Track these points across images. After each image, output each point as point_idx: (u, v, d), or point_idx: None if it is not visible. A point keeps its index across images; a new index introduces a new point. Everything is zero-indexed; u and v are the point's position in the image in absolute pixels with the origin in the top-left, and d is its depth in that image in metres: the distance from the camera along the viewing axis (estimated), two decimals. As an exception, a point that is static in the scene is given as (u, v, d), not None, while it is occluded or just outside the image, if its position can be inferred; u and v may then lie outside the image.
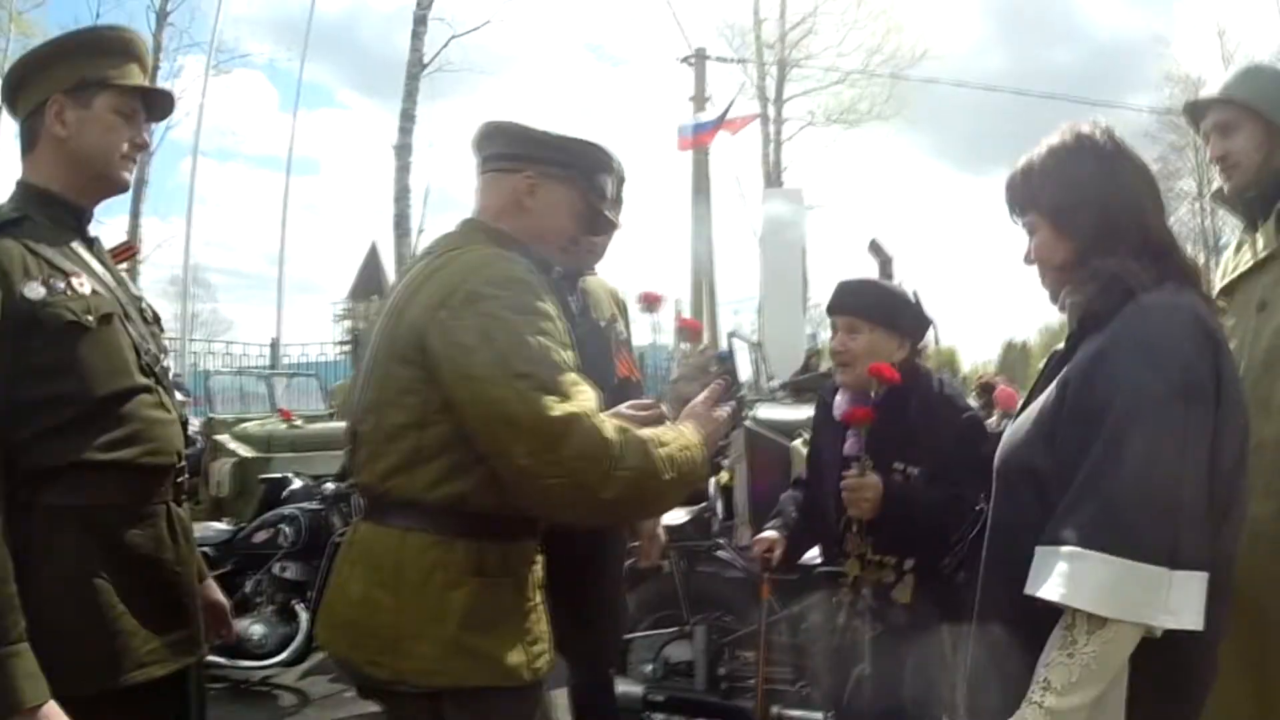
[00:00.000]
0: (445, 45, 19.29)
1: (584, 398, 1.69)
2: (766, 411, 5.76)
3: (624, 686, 3.78)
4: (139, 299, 2.04)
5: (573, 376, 1.72)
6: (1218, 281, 2.57)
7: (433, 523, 1.76)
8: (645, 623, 3.97)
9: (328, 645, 1.97)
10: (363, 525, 1.90)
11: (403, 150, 18.00)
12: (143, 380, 1.88)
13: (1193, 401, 1.42)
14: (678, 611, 3.86)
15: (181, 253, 18.44)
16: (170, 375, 2.05)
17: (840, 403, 2.74)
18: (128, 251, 9.27)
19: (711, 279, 17.03)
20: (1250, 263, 2.43)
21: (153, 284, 26.04)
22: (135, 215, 23.17)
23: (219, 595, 2.26)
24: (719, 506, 4.16)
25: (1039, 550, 1.46)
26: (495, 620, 1.79)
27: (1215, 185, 2.61)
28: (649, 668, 3.90)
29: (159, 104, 2.05)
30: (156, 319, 2.11)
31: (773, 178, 24.50)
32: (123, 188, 2.00)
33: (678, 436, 1.78)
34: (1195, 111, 2.55)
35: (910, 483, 2.56)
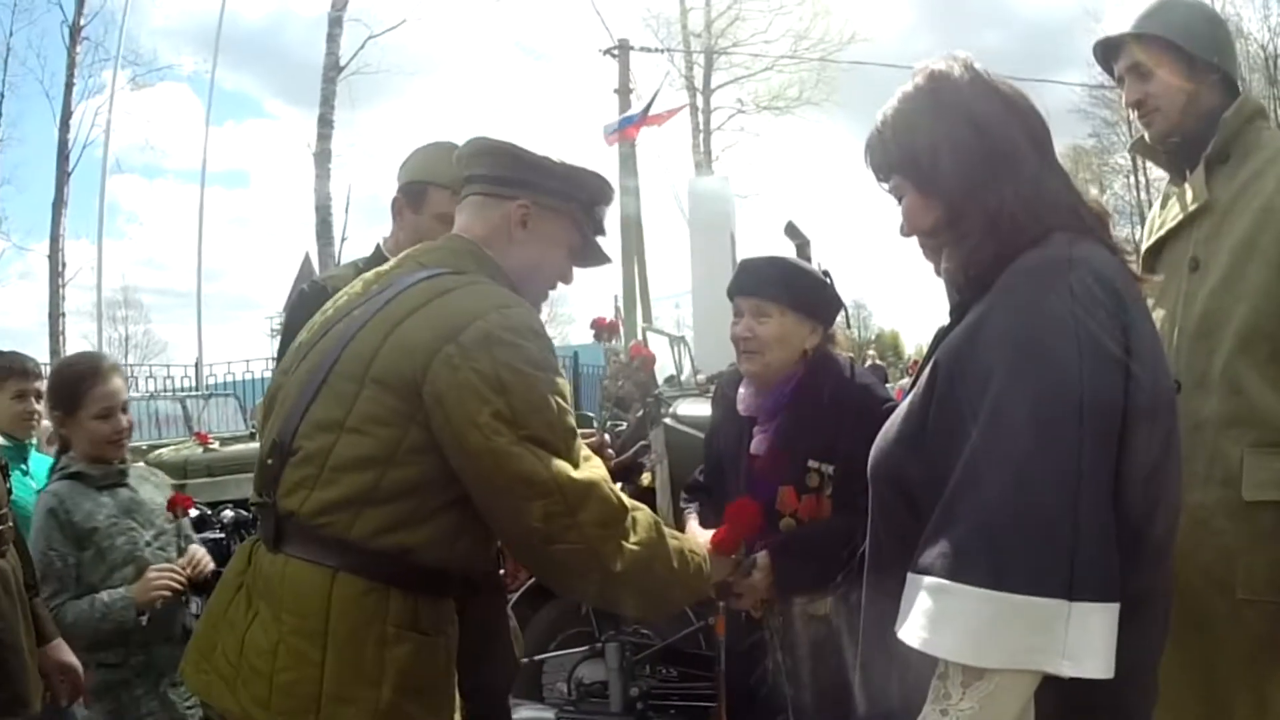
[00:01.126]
0: (362, 46, 18.95)
1: (596, 463, 1.65)
2: (688, 408, 5.52)
3: (534, 712, 3.63)
4: None
5: (581, 443, 1.65)
6: (1145, 240, 2.33)
7: (367, 566, 1.54)
8: (555, 643, 3.84)
9: (201, 691, 1.64)
10: (272, 556, 1.59)
11: (322, 157, 17.58)
12: None
13: (1090, 389, 1.14)
14: (589, 629, 3.70)
15: (103, 274, 17.71)
16: None
17: (745, 395, 2.47)
18: None
19: (644, 273, 16.87)
20: (1179, 218, 2.19)
21: (81, 307, 25.23)
22: (55, 239, 22.41)
23: (69, 656, 2.13)
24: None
25: (909, 578, 1.18)
26: (429, 685, 1.61)
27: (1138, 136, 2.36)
28: (562, 690, 3.73)
29: None
30: None
31: (703, 168, 24.41)
32: None
33: (685, 538, 1.80)
34: (1107, 53, 2.28)
35: (798, 537, 2.28)
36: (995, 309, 1.23)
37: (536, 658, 3.77)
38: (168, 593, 2.49)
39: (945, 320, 1.39)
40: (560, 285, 1.93)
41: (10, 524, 1.94)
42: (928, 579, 1.13)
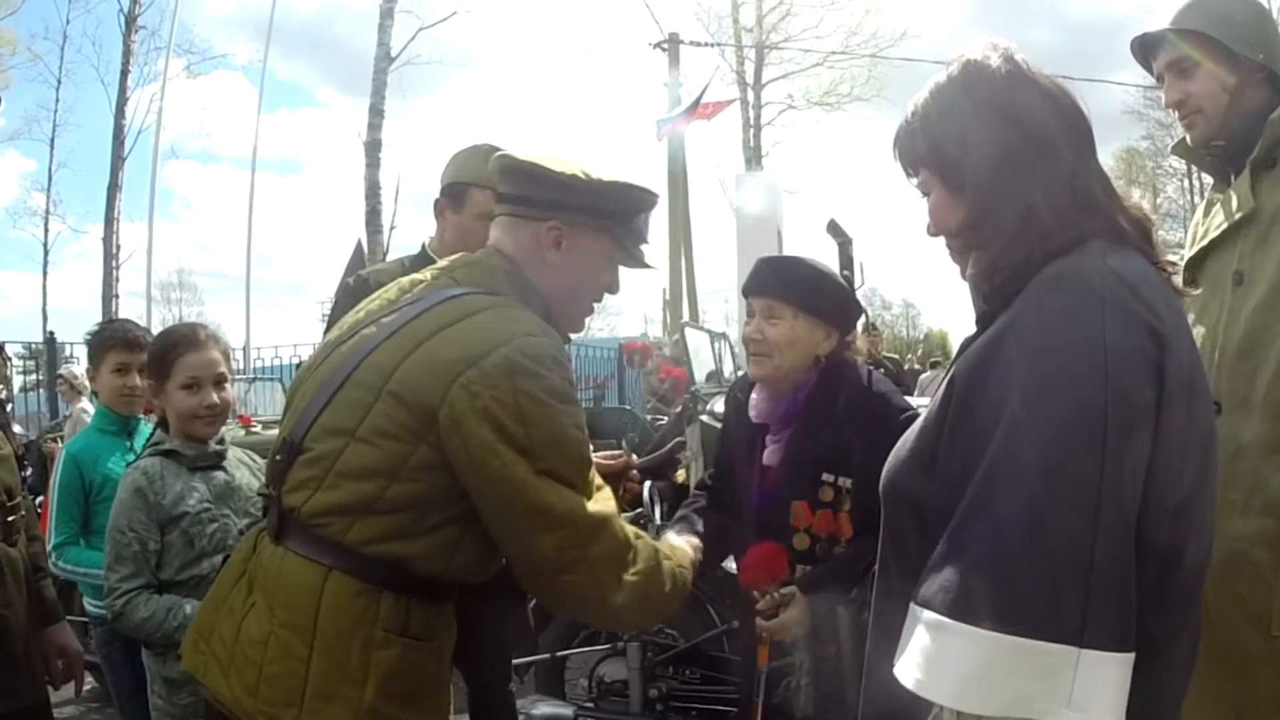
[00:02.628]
0: (413, 38, 19.02)
1: (606, 495, 1.65)
2: (724, 405, 5.48)
3: (554, 708, 3.57)
4: None
5: (595, 474, 1.65)
6: (1186, 250, 2.23)
7: (362, 569, 1.55)
8: (577, 640, 3.77)
9: (197, 671, 1.65)
10: (273, 548, 1.61)
11: (373, 146, 17.74)
12: None
13: (1117, 415, 1.04)
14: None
15: (163, 257, 18.09)
16: (8, 407, 1.84)
17: (756, 401, 2.38)
18: None
19: (692, 268, 16.78)
20: (1223, 227, 2.08)
21: (135, 289, 25.77)
22: (110, 222, 22.87)
23: (71, 641, 2.10)
24: (656, 513, 3.87)
25: (910, 609, 1.11)
26: (414, 690, 1.60)
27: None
28: (583, 687, 3.67)
29: None
30: None
31: (753, 163, 24.24)
32: None
33: (675, 552, 1.81)
34: (1146, 50, 2.16)
35: (829, 567, 2.22)
36: (1018, 323, 1.15)
37: (558, 654, 3.73)
38: None
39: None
40: (625, 311, 1.92)
41: (22, 513, 1.90)
42: (927, 614, 1.07)
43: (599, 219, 1.75)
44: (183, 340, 2.44)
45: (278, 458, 1.65)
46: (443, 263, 1.83)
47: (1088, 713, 0.99)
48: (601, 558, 1.59)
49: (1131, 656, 1.02)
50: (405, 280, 1.80)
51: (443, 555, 1.60)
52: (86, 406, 6.50)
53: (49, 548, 2.77)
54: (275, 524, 1.62)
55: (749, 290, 2.34)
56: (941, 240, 1.35)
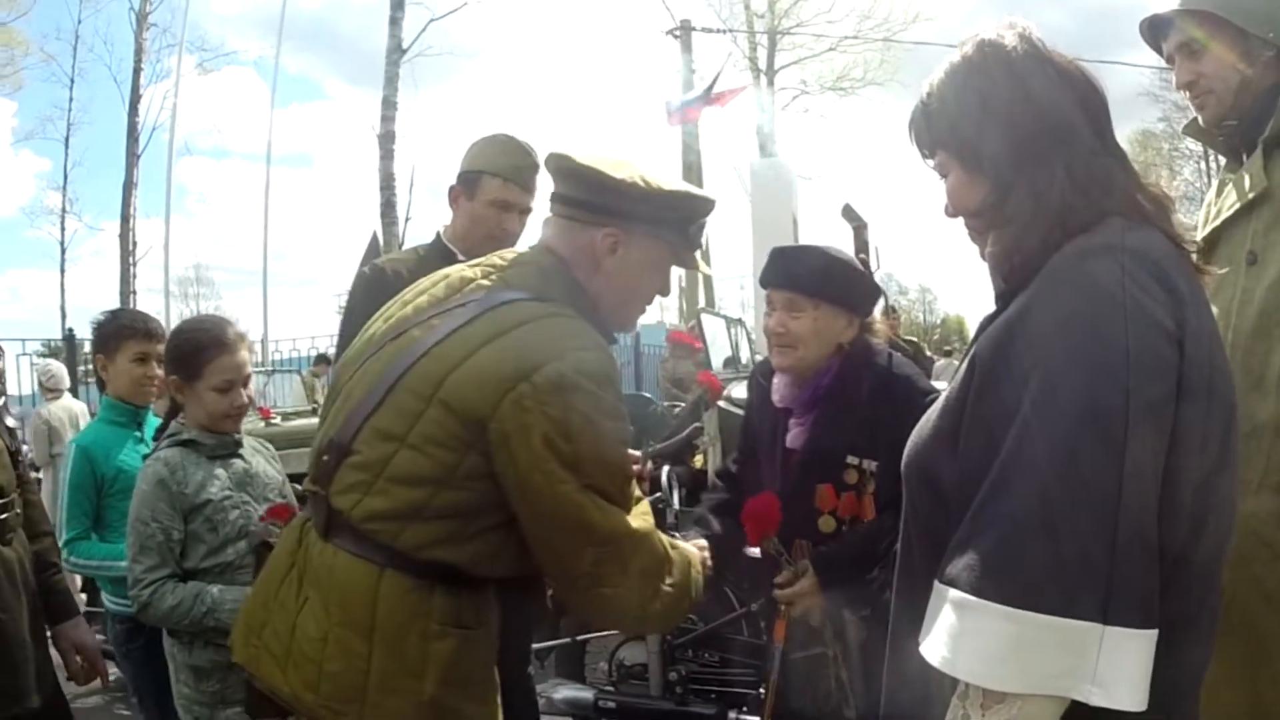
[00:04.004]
0: (424, 29, 18.99)
1: (645, 509, 1.69)
2: (743, 391, 5.49)
3: (574, 691, 3.60)
4: None
5: (635, 488, 1.69)
6: (1199, 230, 2.22)
7: (412, 567, 1.58)
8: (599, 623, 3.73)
9: (248, 664, 1.67)
10: (323, 545, 1.63)
11: (386, 138, 17.74)
12: None
13: (1136, 392, 1.04)
14: None
15: (179, 252, 18.20)
16: (1, 403, 1.82)
17: (779, 386, 2.40)
18: None
19: (707, 254, 16.78)
20: (1236, 206, 2.07)
21: (152, 285, 26.04)
22: (126, 219, 23.04)
23: (86, 636, 2.09)
24: (674, 498, 3.88)
25: (935, 587, 1.12)
26: (471, 676, 1.65)
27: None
28: (603, 670, 3.68)
29: None
30: None
31: (766, 149, 24.17)
32: None
33: (695, 559, 1.83)
34: (1155, 31, 2.14)
35: (845, 541, 2.23)
36: (1039, 300, 1.14)
37: (579, 638, 3.74)
38: None
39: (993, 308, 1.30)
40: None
41: (17, 510, 1.87)
42: (952, 592, 1.07)
43: (656, 226, 1.75)
44: (213, 342, 2.45)
45: (324, 457, 1.65)
46: (493, 258, 1.82)
47: (1112, 688, 1.00)
48: (641, 572, 1.62)
49: (1155, 633, 1.03)
50: (455, 276, 1.77)
51: (490, 558, 1.63)
52: (64, 407, 6.42)
53: (61, 542, 2.74)
54: (323, 522, 1.64)
55: (767, 282, 2.34)
56: (959, 222, 1.35)
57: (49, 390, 6.86)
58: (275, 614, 1.64)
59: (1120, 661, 1.00)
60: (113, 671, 5.09)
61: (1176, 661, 1.11)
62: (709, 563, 1.94)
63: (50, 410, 6.43)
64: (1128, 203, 1.22)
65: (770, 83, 25.41)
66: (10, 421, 2.75)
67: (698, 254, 1.86)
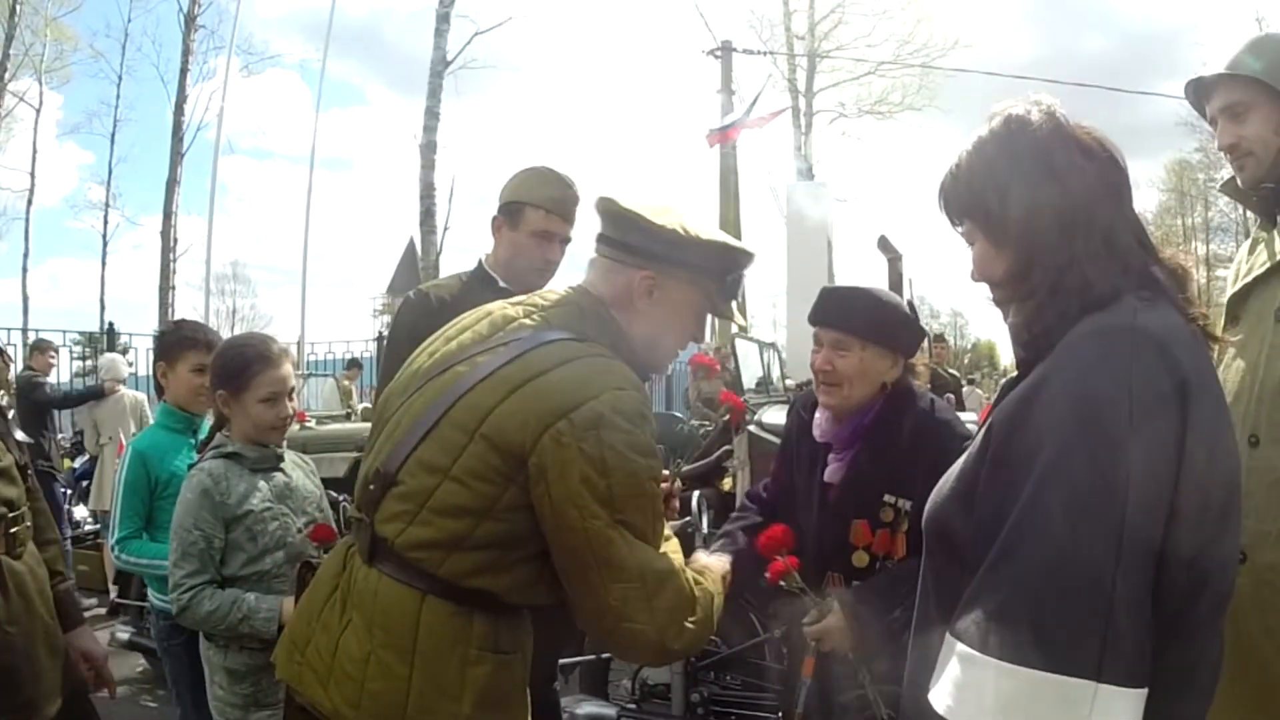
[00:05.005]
0: (469, 43, 19.06)
1: (674, 547, 1.73)
2: (772, 416, 5.53)
3: (597, 708, 3.66)
4: None
5: (664, 525, 1.72)
6: (1230, 286, 2.28)
7: (453, 594, 1.64)
8: None
9: (292, 680, 1.74)
10: (367, 570, 1.69)
11: (428, 149, 17.86)
12: None
13: (1140, 466, 1.11)
14: None
15: (218, 250, 18.46)
16: (10, 414, 1.85)
17: (820, 421, 2.43)
18: None
19: (743, 303, 16.81)
20: (1267, 265, 2.12)
21: (190, 280, 26.49)
22: (168, 215, 23.42)
23: (93, 644, 2.12)
24: (703, 521, 3.93)
25: (946, 638, 1.19)
26: (505, 699, 1.71)
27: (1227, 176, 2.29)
28: (626, 688, 3.74)
29: None
30: None
31: (804, 172, 24.19)
32: None
33: (706, 574, 1.82)
34: (1200, 92, 2.19)
35: (877, 580, 2.26)
36: (1052, 377, 1.21)
37: (603, 655, 3.76)
38: None
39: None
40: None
41: (27, 524, 1.89)
42: (960, 645, 1.15)
43: (693, 273, 1.80)
44: (258, 357, 2.56)
45: (370, 486, 1.72)
46: (535, 297, 1.88)
47: None
48: (666, 609, 1.63)
49: (1144, 692, 1.10)
50: (498, 314, 1.83)
51: (528, 587, 1.69)
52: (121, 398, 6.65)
53: (113, 540, 2.89)
54: (367, 548, 1.70)
55: (816, 321, 2.38)
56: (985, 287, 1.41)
57: (113, 381, 7.13)
58: (319, 634, 1.70)
59: (1113, 717, 1.07)
60: (140, 664, 5.27)
61: (1175, 713, 1.17)
62: (728, 578, 1.97)
63: (131, 397, 6.70)
64: (1143, 279, 1.28)
65: (808, 104, 25.46)
66: (19, 435, 2.75)
67: (734, 304, 1.90)
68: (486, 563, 1.63)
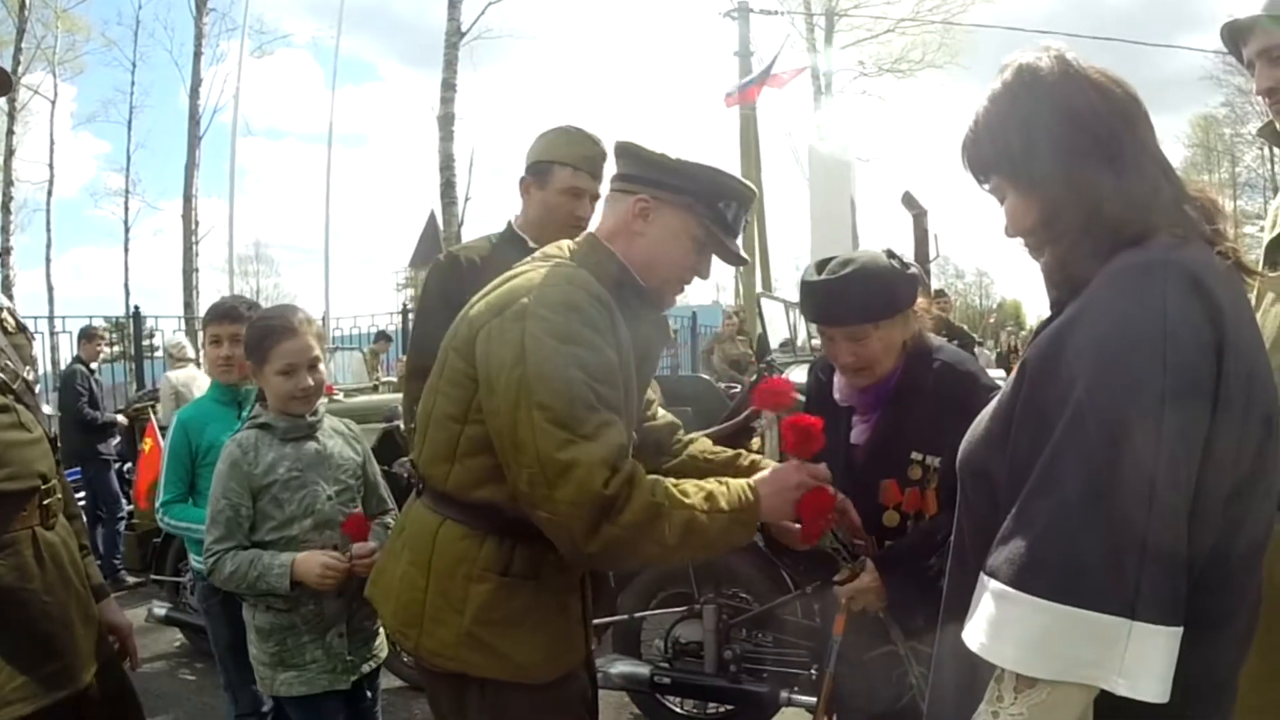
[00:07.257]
0: (483, 13, 18.87)
1: (603, 441, 1.63)
2: (799, 375, 5.51)
3: (630, 667, 3.69)
4: None
5: (601, 417, 1.65)
6: (1268, 232, 2.23)
7: (468, 517, 1.81)
8: (655, 601, 3.85)
9: (374, 600, 2.02)
10: (415, 504, 1.95)
11: (445, 120, 17.78)
12: None
13: (1175, 400, 1.09)
14: (688, 589, 3.72)
15: (239, 231, 18.54)
16: (36, 389, 1.89)
17: (841, 384, 2.40)
18: None
19: (764, 237, 16.71)
20: None
21: (213, 263, 26.75)
22: (188, 199, 23.55)
23: (118, 616, 2.16)
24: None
25: (980, 577, 1.18)
26: (510, 619, 1.79)
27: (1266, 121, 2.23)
28: (659, 647, 3.78)
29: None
30: (21, 328, 1.96)
31: (823, 130, 24.00)
32: None
33: (711, 498, 1.71)
34: (1236, 35, 2.11)
35: (908, 538, 2.24)
36: (1085, 313, 1.20)
37: (636, 615, 3.82)
38: (329, 583, 2.44)
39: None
40: (697, 280, 1.98)
41: (59, 495, 1.90)
42: (993, 583, 1.14)
43: (679, 195, 1.86)
44: (279, 328, 2.56)
45: (413, 426, 1.89)
46: (548, 249, 1.97)
47: (1137, 680, 1.06)
48: (566, 500, 1.60)
49: (1179, 630, 1.09)
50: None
51: None
52: (183, 377, 6.80)
53: (158, 503, 3.04)
54: (419, 484, 1.94)
55: (819, 321, 2.34)
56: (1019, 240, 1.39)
57: (176, 360, 7.26)
58: (389, 561, 1.98)
59: (1146, 655, 1.07)
60: (177, 638, 5.37)
61: (1212, 655, 1.17)
62: (753, 508, 1.79)
63: (175, 377, 6.81)
64: (1173, 215, 1.26)
65: (828, 64, 25.19)
66: (47, 409, 2.83)
67: (737, 242, 1.92)
68: (483, 471, 1.77)
